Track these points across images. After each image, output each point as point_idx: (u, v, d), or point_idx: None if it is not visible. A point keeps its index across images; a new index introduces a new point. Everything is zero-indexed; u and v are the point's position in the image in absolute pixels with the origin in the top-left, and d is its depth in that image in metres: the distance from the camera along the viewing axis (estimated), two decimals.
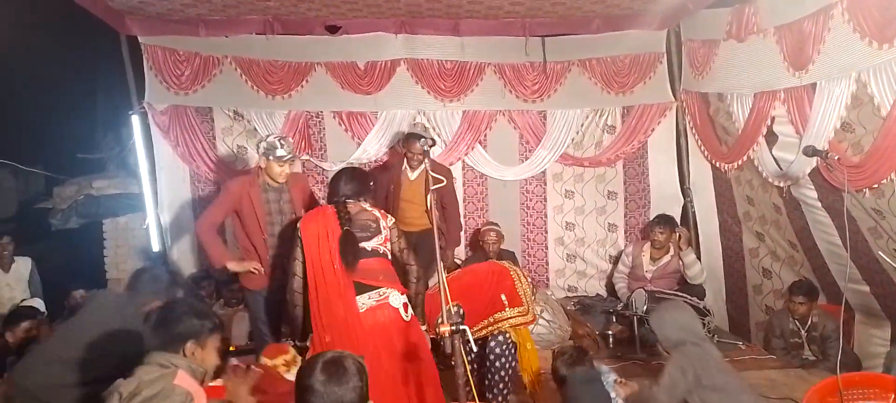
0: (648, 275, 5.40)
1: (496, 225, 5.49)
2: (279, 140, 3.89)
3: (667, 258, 5.41)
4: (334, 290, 3.17)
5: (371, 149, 5.58)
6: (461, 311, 3.33)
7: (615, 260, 5.91)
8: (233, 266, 3.95)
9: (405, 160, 5.01)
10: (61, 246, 6.68)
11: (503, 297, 3.63)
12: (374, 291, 3.20)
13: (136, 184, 5.73)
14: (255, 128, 5.49)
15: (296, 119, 5.51)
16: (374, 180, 4.21)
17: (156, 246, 5.65)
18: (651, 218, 5.75)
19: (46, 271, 5.55)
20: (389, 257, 3.37)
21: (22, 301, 5.18)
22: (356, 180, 3.47)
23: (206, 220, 3.97)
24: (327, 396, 1.95)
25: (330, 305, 3.15)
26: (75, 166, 6.62)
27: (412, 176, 4.96)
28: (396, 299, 3.22)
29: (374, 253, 3.29)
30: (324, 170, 5.60)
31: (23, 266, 5.41)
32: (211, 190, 5.59)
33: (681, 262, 5.37)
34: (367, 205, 3.43)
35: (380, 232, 3.34)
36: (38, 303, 4.98)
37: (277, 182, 3.95)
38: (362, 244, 3.25)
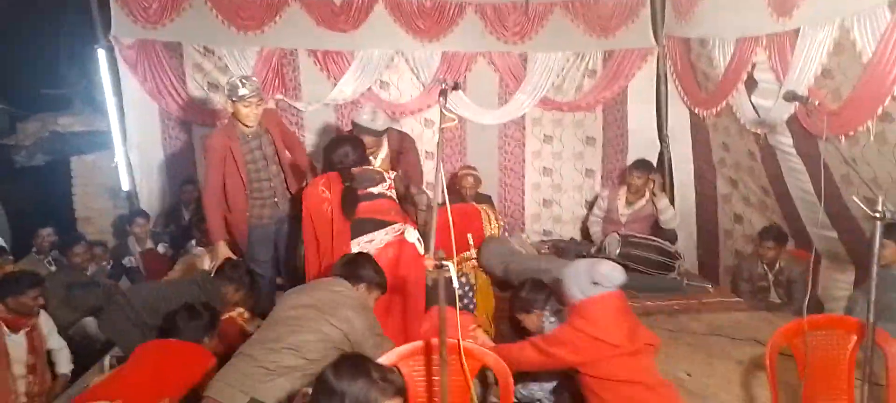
0: (623, 220, 5.43)
1: (473, 169, 5.46)
2: (241, 80, 3.76)
3: (641, 202, 5.42)
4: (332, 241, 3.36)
5: (347, 90, 5.46)
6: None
7: (590, 205, 5.94)
8: (206, 261, 3.90)
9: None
10: (27, 183, 6.51)
11: (469, 237, 3.73)
12: (390, 226, 3.43)
13: (104, 121, 5.58)
14: (227, 66, 5.33)
15: (268, 57, 5.34)
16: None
17: (125, 186, 5.53)
18: (629, 164, 5.74)
19: (11, 208, 5.41)
20: (396, 200, 3.66)
21: None
22: (359, 150, 3.67)
23: (209, 189, 3.83)
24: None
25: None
26: (40, 102, 6.41)
27: (378, 163, 4.31)
28: (411, 234, 3.45)
29: (382, 195, 3.59)
30: (298, 110, 5.48)
31: None
32: (181, 132, 5.45)
33: (654, 207, 5.42)
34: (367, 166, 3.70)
35: (385, 180, 3.67)
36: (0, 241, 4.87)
37: (249, 125, 3.83)
38: (369, 189, 3.53)
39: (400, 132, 4.72)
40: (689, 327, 4.32)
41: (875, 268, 2.20)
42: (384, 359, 2.55)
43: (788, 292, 4.62)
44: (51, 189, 6.27)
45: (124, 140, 5.39)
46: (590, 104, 5.88)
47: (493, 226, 4.03)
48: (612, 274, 2.74)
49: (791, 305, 4.48)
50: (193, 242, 5.20)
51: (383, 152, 4.40)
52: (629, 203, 5.46)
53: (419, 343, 2.60)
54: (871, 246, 2.22)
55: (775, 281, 4.69)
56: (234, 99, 3.72)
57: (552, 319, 3.09)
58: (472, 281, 3.89)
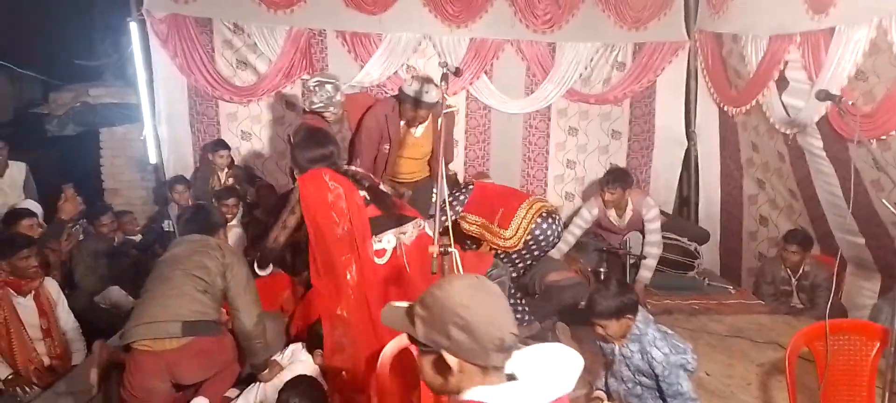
0: (624, 229, 5.00)
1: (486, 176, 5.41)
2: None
3: (629, 213, 4.89)
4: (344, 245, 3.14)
5: (374, 73, 5.46)
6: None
7: (569, 218, 5.15)
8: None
9: (399, 116, 4.31)
10: (57, 153, 6.62)
11: (500, 212, 3.77)
12: (414, 220, 3.25)
13: (134, 94, 5.64)
14: (256, 44, 5.36)
15: (297, 36, 5.36)
16: (360, 142, 4.23)
17: (153, 159, 5.60)
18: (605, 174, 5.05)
19: (42, 177, 5.51)
20: None
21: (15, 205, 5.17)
22: (336, 145, 3.44)
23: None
24: None
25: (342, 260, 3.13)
26: (72, 72, 6.50)
27: (418, 132, 4.35)
28: (430, 228, 3.29)
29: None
30: None
31: (17, 170, 5.36)
32: (208, 108, 5.50)
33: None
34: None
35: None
36: (34, 206, 4.96)
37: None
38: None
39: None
40: (709, 327, 4.29)
41: None
42: (394, 343, 2.55)
43: (811, 297, 4.53)
44: (80, 159, 6.37)
45: (153, 113, 5.45)
46: (617, 97, 5.82)
47: (525, 218, 3.93)
48: None
49: (814, 310, 4.39)
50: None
51: (426, 123, 4.32)
52: (619, 215, 4.93)
53: None
54: None
55: (798, 286, 4.62)
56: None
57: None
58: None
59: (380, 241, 3.10)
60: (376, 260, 3.04)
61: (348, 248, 3.01)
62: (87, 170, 6.21)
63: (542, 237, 3.88)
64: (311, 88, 4.10)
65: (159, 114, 5.44)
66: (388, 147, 4.23)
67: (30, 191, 5.38)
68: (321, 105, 4.08)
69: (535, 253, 3.94)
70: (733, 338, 4.08)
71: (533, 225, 3.85)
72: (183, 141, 5.54)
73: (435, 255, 2.39)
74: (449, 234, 2.62)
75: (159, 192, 5.76)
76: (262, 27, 5.32)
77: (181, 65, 5.31)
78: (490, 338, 1.32)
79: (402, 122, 4.25)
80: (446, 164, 4.23)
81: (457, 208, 4.01)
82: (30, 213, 4.54)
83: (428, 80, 4.13)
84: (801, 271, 4.57)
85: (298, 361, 3.17)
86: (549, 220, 3.94)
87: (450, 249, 2.30)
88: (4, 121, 7.99)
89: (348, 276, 3.05)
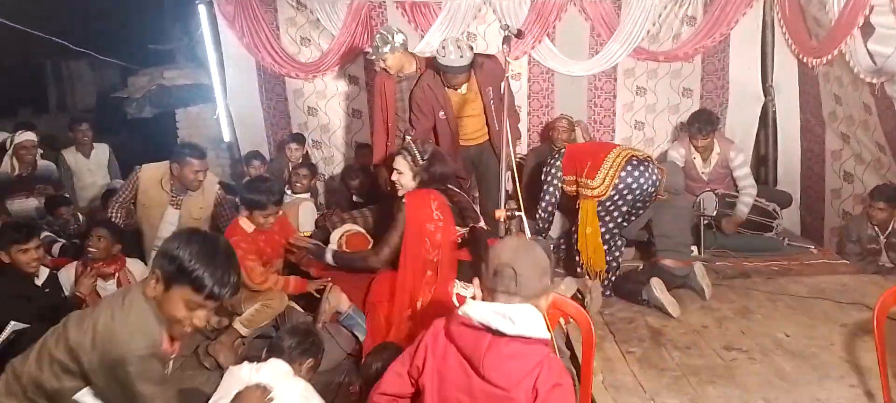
0: (705, 178, 5.06)
1: (568, 116, 5.32)
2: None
3: (715, 157, 4.98)
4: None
5: (434, 42, 5.42)
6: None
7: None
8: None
9: (439, 79, 4.28)
10: (137, 134, 6.96)
11: (588, 165, 3.84)
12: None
13: (206, 75, 5.85)
14: (318, 19, 5.44)
15: (358, 9, 5.40)
16: (412, 113, 4.25)
17: (226, 136, 5.82)
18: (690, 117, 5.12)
19: (124, 158, 5.82)
20: None
21: (103, 186, 5.48)
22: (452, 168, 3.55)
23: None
24: None
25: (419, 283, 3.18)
26: (147, 57, 6.80)
27: (464, 88, 4.31)
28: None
29: None
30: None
31: (101, 152, 5.68)
32: (276, 85, 5.63)
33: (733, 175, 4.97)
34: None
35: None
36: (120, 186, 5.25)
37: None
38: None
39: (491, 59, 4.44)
40: (789, 289, 4.13)
41: None
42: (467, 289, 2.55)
43: None
44: (159, 139, 6.68)
45: (224, 93, 5.65)
46: (688, 54, 5.58)
47: (611, 169, 3.90)
48: None
49: None
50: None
51: (472, 81, 4.28)
52: (705, 159, 5.01)
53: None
54: None
55: (888, 244, 4.38)
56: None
57: None
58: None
59: (466, 288, 3.06)
60: (456, 303, 3.00)
61: (430, 279, 3.01)
62: (164, 150, 6.48)
63: (634, 183, 3.80)
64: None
65: (230, 93, 5.62)
66: (443, 114, 4.25)
67: (114, 170, 5.70)
68: (372, 54, 4.31)
69: (629, 198, 3.87)
70: (815, 299, 3.91)
71: (623, 173, 3.79)
72: (254, 117, 5.72)
73: (502, 219, 2.39)
74: (518, 200, 2.60)
75: (235, 169, 5.99)
76: (324, 3, 5.39)
77: (248, 44, 5.46)
78: None
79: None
80: (514, 121, 4.21)
81: (556, 175, 4.00)
82: (67, 201, 4.80)
83: (457, 43, 4.13)
84: (889, 228, 4.34)
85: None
86: (642, 167, 3.84)
87: (517, 213, 2.29)
88: (88, 107, 8.46)
89: (419, 304, 3.08)
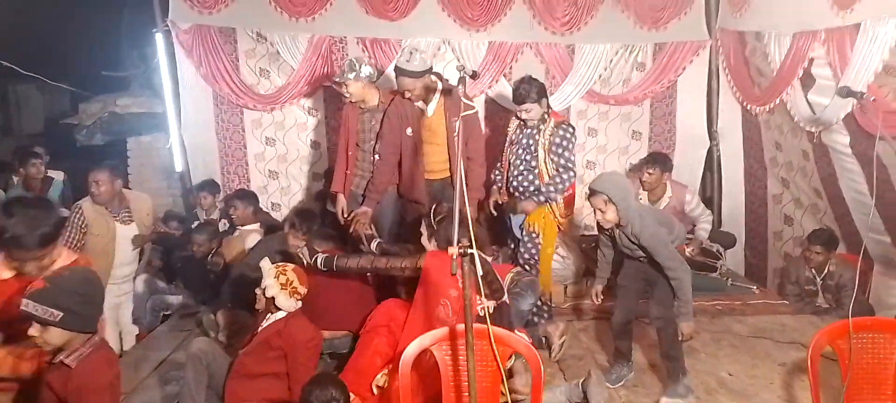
0: None
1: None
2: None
3: (665, 200, 5.11)
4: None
5: (393, 77, 5.50)
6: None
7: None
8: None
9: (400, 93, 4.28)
10: (87, 162, 6.77)
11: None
12: None
13: (160, 104, 5.76)
14: (278, 52, 5.45)
15: (319, 43, 5.44)
16: (381, 128, 4.26)
17: (178, 167, 5.72)
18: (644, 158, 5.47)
19: (72, 185, 5.66)
20: None
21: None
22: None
23: None
24: None
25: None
26: (100, 83, 6.66)
27: (430, 110, 4.27)
28: None
29: None
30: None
31: (55, 189, 5.44)
32: (233, 115, 5.59)
33: (688, 216, 5.09)
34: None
35: None
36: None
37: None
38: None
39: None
40: (733, 328, 4.26)
41: None
42: (415, 344, 2.58)
43: (837, 297, 4.48)
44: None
45: (179, 122, 5.57)
46: (637, 98, 5.80)
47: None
48: None
49: (839, 310, 4.34)
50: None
51: (435, 100, 4.24)
52: (653, 201, 5.13)
53: (445, 330, 2.62)
54: None
55: (824, 286, 4.56)
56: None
57: None
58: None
59: None
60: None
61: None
62: None
63: None
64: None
65: (185, 123, 5.55)
66: (410, 130, 4.25)
67: (66, 199, 5.52)
68: (337, 77, 4.33)
69: None
70: (757, 339, 4.05)
71: None
72: (209, 148, 5.65)
73: (455, 257, 2.41)
74: (470, 237, 2.61)
75: (186, 198, 5.89)
76: (285, 35, 5.41)
77: (206, 74, 5.42)
78: None
79: (418, 103, 4.27)
80: (476, 164, 4.24)
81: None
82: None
83: (411, 50, 4.17)
84: (826, 271, 4.52)
85: None
86: None
87: (469, 251, 2.32)
88: (36, 132, 8.21)
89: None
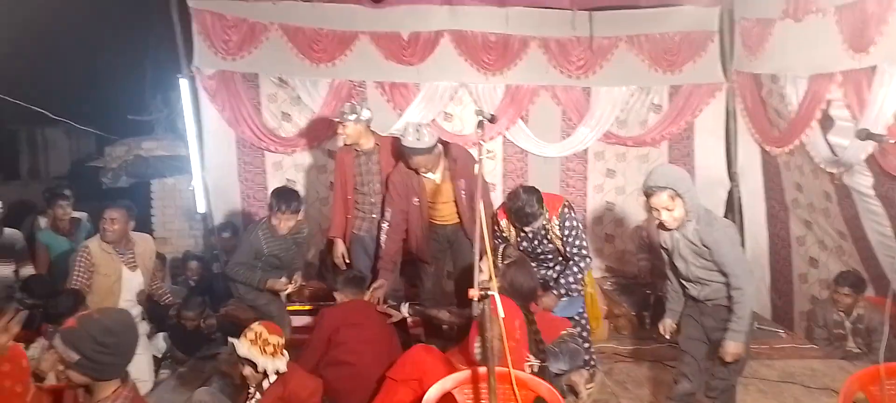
0: None
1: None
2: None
3: None
4: None
5: (412, 121, 5.58)
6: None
7: (641, 245, 5.47)
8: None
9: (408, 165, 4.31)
10: (110, 203, 6.88)
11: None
12: None
13: (184, 147, 5.87)
14: (299, 96, 5.56)
15: (339, 88, 5.54)
16: (388, 193, 4.34)
17: (201, 208, 5.79)
18: None
19: (95, 228, 5.72)
20: None
21: None
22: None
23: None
24: None
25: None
26: (126, 127, 6.82)
27: (437, 178, 4.35)
28: None
29: None
30: None
31: (82, 230, 5.42)
32: (255, 158, 5.68)
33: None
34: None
35: None
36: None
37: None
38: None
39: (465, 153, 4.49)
40: (760, 373, 4.17)
41: None
42: (438, 387, 2.56)
43: (867, 341, 4.38)
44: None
45: (202, 165, 5.66)
46: (655, 139, 5.80)
47: None
48: None
49: (870, 355, 4.24)
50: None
51: (441, 166, 4.32)
52: None
53: (467, 373, 2.60)
54: None
55: (853, 330, 4.46)
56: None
57: None
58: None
59: None
60: None
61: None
62: (139, 220, 6.41)
63: None
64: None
65: (207, 166, 5.65)
66: (417, 200, 4.32)
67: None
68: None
69: None
70: (786, 384, 3.96)
71: None
72: (230, 190, 5.74)
73: (476, 299, 2.41)
74: (491, 278, 2.61)
75: (207, 239, 5.95)
76: (306, 80, 5.52)
77: (229, 118, 5.53)
78: None
79: (427, 174, 4.32)
80: (488, 207, 4.21)
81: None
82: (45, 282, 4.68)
83: (417, 127, 4.17)
84: (854, 314, 4.43)
85: None
86: None
87: (490, 292, 2.31)
88: (62, 174, 8.37)
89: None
